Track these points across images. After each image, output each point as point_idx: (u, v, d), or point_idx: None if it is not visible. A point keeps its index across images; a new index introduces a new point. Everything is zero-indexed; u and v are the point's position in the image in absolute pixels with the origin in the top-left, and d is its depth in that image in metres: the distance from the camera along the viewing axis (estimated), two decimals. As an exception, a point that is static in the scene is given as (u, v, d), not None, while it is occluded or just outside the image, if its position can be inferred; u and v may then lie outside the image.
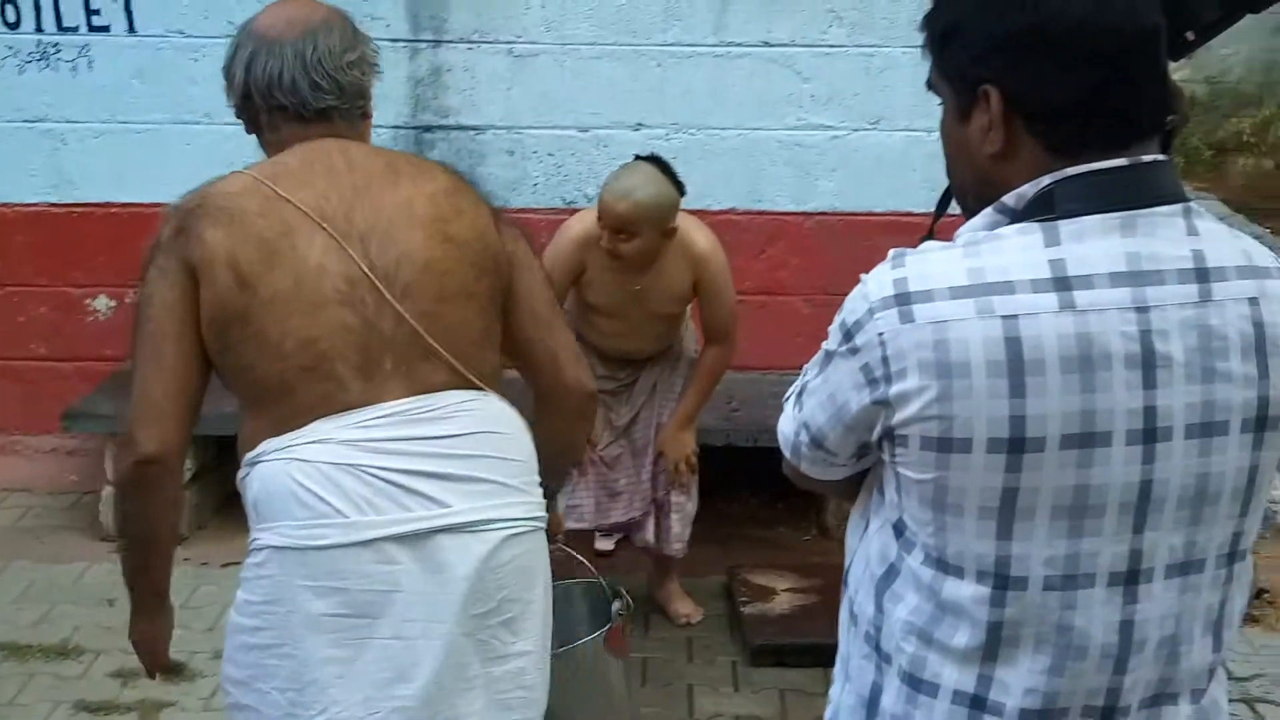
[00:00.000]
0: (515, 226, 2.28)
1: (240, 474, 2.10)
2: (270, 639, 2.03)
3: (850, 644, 1.57)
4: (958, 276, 1.37)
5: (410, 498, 2.00)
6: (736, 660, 3.84)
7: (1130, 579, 1.41)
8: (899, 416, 1.39)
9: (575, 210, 4.84)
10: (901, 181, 4.83)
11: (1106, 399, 1.35)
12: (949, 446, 1.37)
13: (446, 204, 2.12)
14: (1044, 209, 1.38)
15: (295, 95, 2.13)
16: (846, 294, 4.97)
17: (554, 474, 2.33)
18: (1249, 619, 4.18)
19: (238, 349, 2.02)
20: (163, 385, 2.03)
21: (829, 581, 4.19)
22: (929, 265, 1.40)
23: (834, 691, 1.62)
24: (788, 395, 1.60)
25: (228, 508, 4.85)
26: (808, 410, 1.53)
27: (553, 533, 2.35)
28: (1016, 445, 1.35)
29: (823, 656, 3.75)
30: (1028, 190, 1.39)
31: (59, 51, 4.80)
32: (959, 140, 1.46)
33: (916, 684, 1.47)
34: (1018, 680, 1.43)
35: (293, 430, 2.01)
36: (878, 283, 1.42)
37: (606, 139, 4.84)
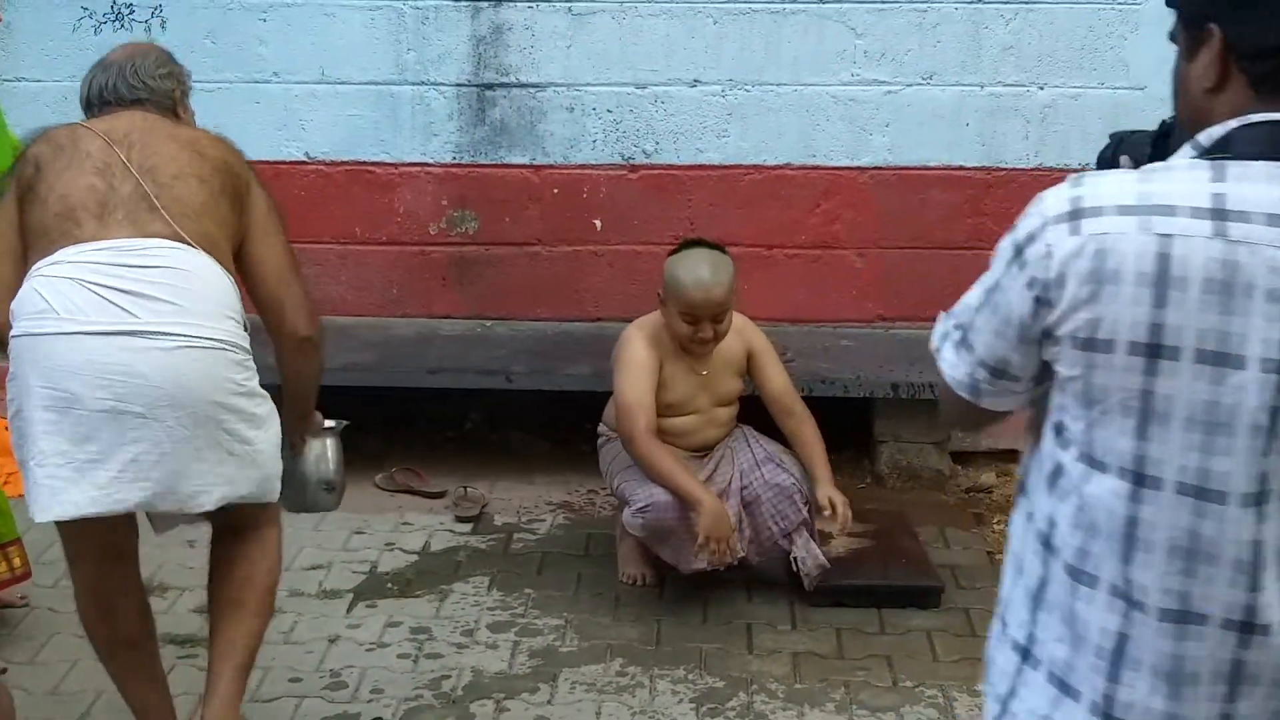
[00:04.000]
0: (269, 194, 3.01)
1: None
2: (15, 407, 2.72)
3: (1024, 542, 1.69)
4: (1127, 197, 1.51)
5: (108, 306, 2.67)
6: (794, 601, 3.95)
7: (1260, 500, 1.52)
8: (1054, 316, 1.53)
9: (633, 165, 4.98)
10: (954, 136, 4.90)
11: (1243, 324, 1.46)
12: (1094, 346, 1.51)
13: (206, 139, 2.95)
14: (1224, 150, 1.51)
15: (115, 93, 2.98)
16: (898, 247, 5.14)
17: (291, 399, 3.09)
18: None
19: (27, 213, 2.80)
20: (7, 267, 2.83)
21: (882, 527, 4.31)
22: (1103, 185, 1.54)
23: (1004, 588, 1.74)
24: (938, 348, 1.72)
25: (299, 455, 5.01)
26: (981, 347, 1.64)
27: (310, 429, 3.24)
28: (1154, 351, 1.48)
29: (876, 597, 3.91)
30: (1216, 131, 1.52)
31: (133, 12, 4.96)
32: (1184, 77, 1.59)
33: (1077, 575, 1.60)
34: (1154, 580, 1.55)
35: (42, 260, 2.73)
36: (1055, 200, 1.56)
37: (664, 95, 4.94)
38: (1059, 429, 1.60)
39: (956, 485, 4.87)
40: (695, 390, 3.96)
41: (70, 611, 3.80)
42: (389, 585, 4.08)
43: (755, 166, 4.99)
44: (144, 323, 2.68)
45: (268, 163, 4.87)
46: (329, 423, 3.36)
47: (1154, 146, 1.72)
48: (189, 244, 2.76)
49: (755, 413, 4.08)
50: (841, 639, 3.78)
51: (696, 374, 3.94)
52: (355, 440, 5.06)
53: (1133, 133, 1.84)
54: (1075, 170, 5.16)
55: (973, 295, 1.66)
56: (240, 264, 2.94)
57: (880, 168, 4.96)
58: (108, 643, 2.99)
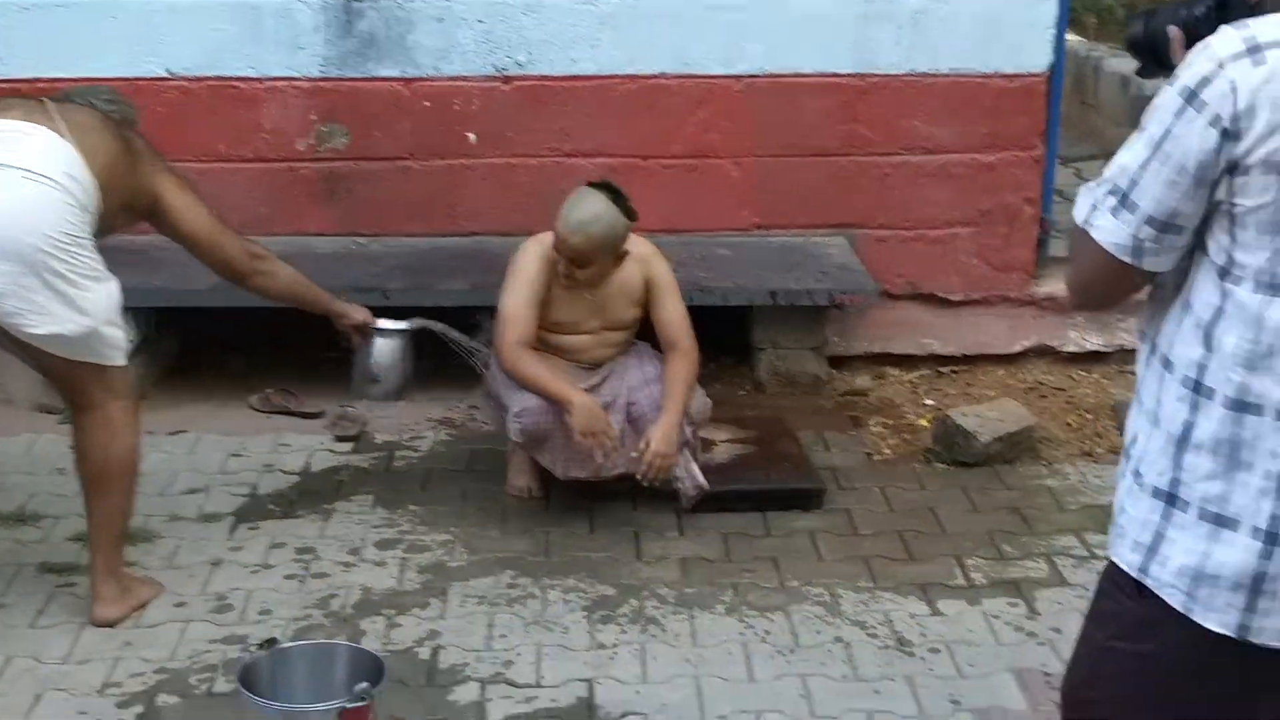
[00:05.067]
0: (181, 179, 3.54)
1: None
2: None
3: (1162, 392, 1.80)
4: None
5: None
6: (679, 509, 3.97)
7: None
8: (1243, 146, 1.66)
9: (506, 77, 4.91)
10: (828, 43, 4.89)
11: None
12: None
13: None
14: None
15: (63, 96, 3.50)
16: (774, 155, 5.11)
17: (301, 307, 3.82)
18: None
19: None
20: None
21: (764, 433, 4.37)
22: (1270, 23, 1.68)
23: (1139, 442, 1.83)
24: (1088, 220, 1.79)
25: (170, 378, 4.91)
26: (1148, 202, 1.73)
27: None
28: None
29: (759, 501, 3.96)
30: None
31: (-22, -80, 4.73)
32: None
33: (1243, 406, 1.71)
34: None
35: None
36: (1224, 42, 1.68)
37: (536, 5, 4.84)
38: (1224, 271, 1.71)
39: (833, 390, 4.94)
40: (585, 313, 3.94)
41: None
42: (270, 507, 4.03)
43: (630, 76, 4.93)
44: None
45: (126, 80, 4.70)
46: (386, 324, 3.93)
47: (1215, 14, 1.82)
48: (63, 135, 3.23)
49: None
50: (728, 543, 3.83)
51: (588, 298, 3.92)
52: (226, 362, 5.00)
53: (1154, 10, 1.94)
54: (947, 75, 5.17)
55: (1129, 156, 1.74)
56: (178, 238, 3.54)
57: (755, 76, 4.93)
58: None
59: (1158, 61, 1.91)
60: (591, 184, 3.84)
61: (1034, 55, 4.92)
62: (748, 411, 4.64)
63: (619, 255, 3.82)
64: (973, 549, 3.81)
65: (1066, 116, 5.60)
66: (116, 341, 3.30)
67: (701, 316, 4.55)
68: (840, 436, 4.57)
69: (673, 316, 3.94)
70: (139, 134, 3.52)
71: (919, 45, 4.90)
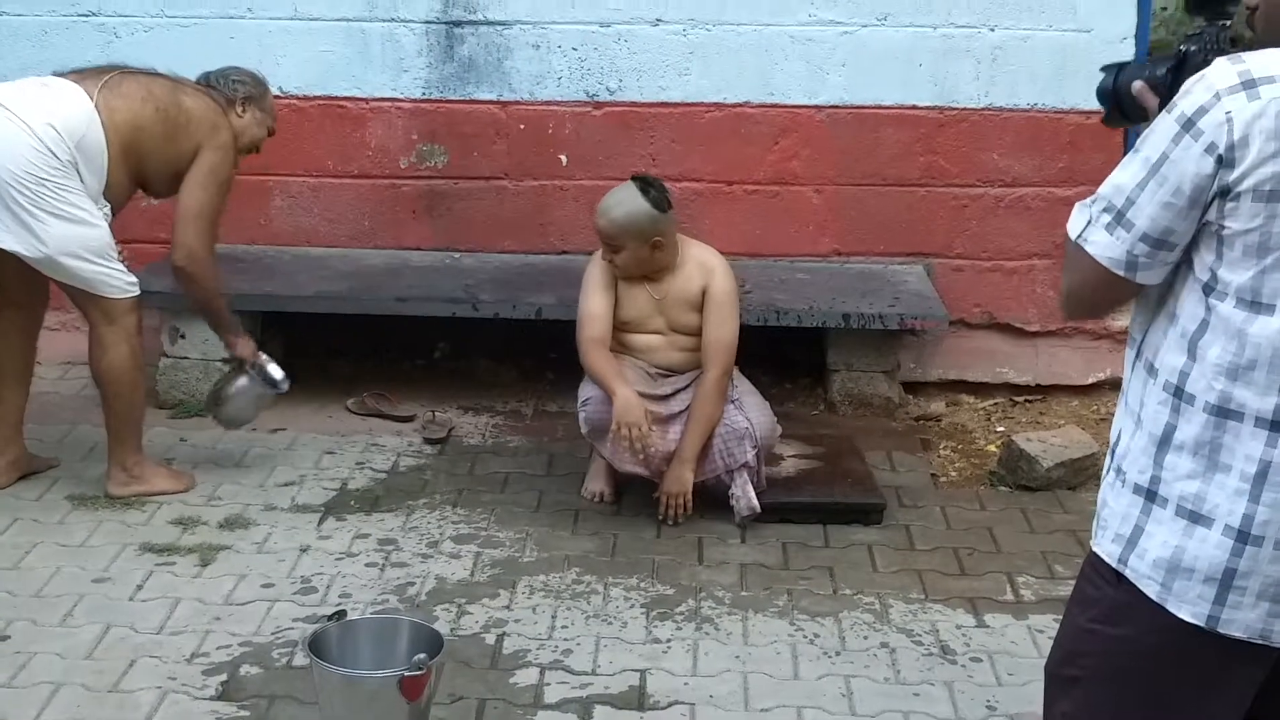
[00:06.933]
0: (218, 163, 4.09)
1: None
2: None
3: (1146, 395, 1.93)
4: None
5: None
6: (743, 517, 4.14)
7: None
8: (1236, 173, 1.78)
9: (597, 102, 5.14)
10: (908, 76, 5.06)
11: None
12: (1277, 198, 1.78)
13: (195, 102, 4.14)
14: None
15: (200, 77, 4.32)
16: (853, 184, 5.27)
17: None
18: None
19: None
20: None
21: (831, 450, 4.51)
22: (1265, 58, 1.80)
23: (1123, 441, 1.98)
24: (1083, 237, 1.91)
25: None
26: (1144, 221, 1.86)
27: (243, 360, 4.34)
28: None
29: (821, 514, 4.11)
30: None
31: (110, -51, 5.07)
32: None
33: (1225, 414, 1.84)
34: None
35: None
36: (1221, 75, 1.81)
37: (627, 34, 5.08)
38: (1208, 287, 1.84)
39: (906, 413, 5.07)
40: (651, 312, 4.14)
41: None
42: (358, 501, 4.26)
43: (716, 104, 5.14)
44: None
45: (242, 97, 5.00)
46: (273, 370, 4.36)
47: (1172, 75, 1.98)
48: (90, 97, 3.90)
49: (745, 349, 4.24)
50: (787, 552, 3.99)
51: (651, 297, 4.12)
52: (328, 366, 5.27)
53: (1124, 64, 2.11)
54: (1025, 110, 5.27)
55: (1124, 176, 1.87)
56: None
57: (836, 106, 5.11)
58: None
59: (1122, 113, 2.10)
60: (634, 177, 4.10)
61: (1111, 93, 5.02)
62: (819, 430, 4.78)
63: (651, 243, 4.01)
64: (1025, 568, 3.92)
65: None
66: (96, 276, 3.94)
67: (777, 337, 4.74)
68: (908, 458, 4.71)
69: (715, 335, 4.09)
70: (240, 112, 4.20)
71: (998, 80, 5.04)
